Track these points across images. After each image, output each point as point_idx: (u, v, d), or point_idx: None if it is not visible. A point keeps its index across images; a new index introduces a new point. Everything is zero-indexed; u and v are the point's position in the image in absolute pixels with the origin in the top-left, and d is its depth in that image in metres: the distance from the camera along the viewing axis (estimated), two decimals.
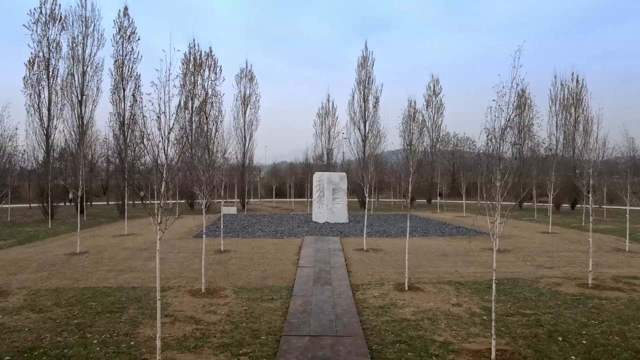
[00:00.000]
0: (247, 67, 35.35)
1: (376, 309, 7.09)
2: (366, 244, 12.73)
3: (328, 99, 40.78)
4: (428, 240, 15.04)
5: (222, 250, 12.06)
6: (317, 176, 21.80)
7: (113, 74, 25.50)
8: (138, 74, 25.93)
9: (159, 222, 4.85)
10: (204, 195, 8.14)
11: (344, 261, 10.97)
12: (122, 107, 25.52)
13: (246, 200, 32.78)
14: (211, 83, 32.22)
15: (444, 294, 8.15)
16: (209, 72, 32.22)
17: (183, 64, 33.15)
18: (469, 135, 70.25)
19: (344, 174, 21.98)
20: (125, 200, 18.62)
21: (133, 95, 25.10)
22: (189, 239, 14.91)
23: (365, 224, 13.18)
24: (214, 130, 31.99)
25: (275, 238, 15.24)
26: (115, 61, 25.14)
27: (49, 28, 24.05)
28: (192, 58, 33.12)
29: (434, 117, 45.99)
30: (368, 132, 36.96)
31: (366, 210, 13.21)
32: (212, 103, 32.15)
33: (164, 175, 4.71)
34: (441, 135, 47.45)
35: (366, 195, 12.59)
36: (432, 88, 45.91)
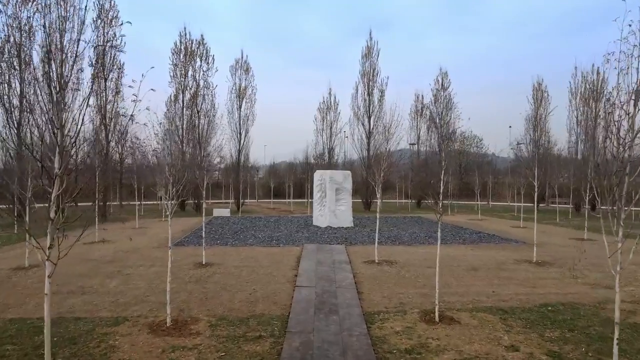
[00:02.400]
0: (242, 57, 33.49)
1: (402, 355, 5.21)
2: (377, 254, 10.82)
3: (330, 93, 38.97)
4: (448, 248, 13.14)
5: (203, 263, 10.15)
6: (318, 175, 19.90)
7: (92, 62, 23.61)
8: (122, 62, 24.09)
9: (49, 246, 2.97)
10: (169, 197, 6.25)
11: (353, 278, 9.08)
12: (104, 98, 23.63)
13: (241, 201, 30.88)
14: (203, 74, 30.30)
15: (489, 328, 6.26)
16: (201, 62, 30.32)
17: (173, 53, 31.35)
18: (476, 133, 68.29)
19: (348, 172, 20.07)
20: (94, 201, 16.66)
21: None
22: (170, 247, 12.97)
23: (377, 230, 11.26)
24: (205, 125, 30.12)
25: (270, 246, 13.35)
26: (95, 48, 23.30)
27: (21, 10, 22.17)
28: (183, 48, 31.29)
29: (442, 113, 44.14)
30: (373, 128, 35.03)
31: (377, 213, 11.30)
32: (203, 95, 30.24)
33: (56, 164, 2.83)
34: (449, 131, 45.51)
35: (378, 195, 10.70)
36: (440, 82, 44.05)
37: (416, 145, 45.54)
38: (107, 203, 24.08)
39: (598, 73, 34.72)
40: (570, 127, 33.42)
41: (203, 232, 10.58)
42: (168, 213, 6.39)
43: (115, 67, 23.81)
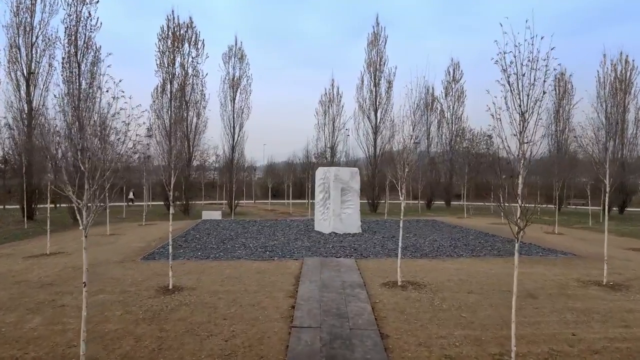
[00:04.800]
0: (236, 44, 31.04)
1: None
2: (400, 273, 8.45)
3: (332, 85, 36.52)
4: (483, 262, 10.81)
5: (170, 287, 7.79)
6: (320, 172, 17.58)
7: (65, 45, 21.26)
8: (98, 45, 21.76)
9: None
10: (85, 199, 3.94)
11: (371, 311, 6.75)
12: (78, 86, 21.28)
13: (234, 202, 28.55)
14: (192, 60, 28.01)
15: None
16: (189, 47, 28.01)
17: (160, 39, 29.05)
18: (485, 130, 65.90)
19: (356, 169, 17.73)
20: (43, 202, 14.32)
21: None
22: (136, 261, 10.68)
23: (401, 240, 8.89)
24: (194, 117, 27.85)
25: (263, 260, 11.03)
26: (67, 28, 20.94)
27: None
28: (170, 33, 28.99)
29: (453, 107, 41.89)
30: (380, 122, 32.68)
31: (401, 217, 8.88)
32: (192, 84, 27.94)
33: None
34: (462, 127, 43.22)
35: (401, 195, 8.35)
36: (451, 73, 41.80)
37: (419, 144, 43.23)
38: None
39: (627, 61, 32.47)
40: (599, 122, 30.87)
41: (170, 247, 8.19)
42: (82, 228, 4.05)
43: (90, 50, 21.46)
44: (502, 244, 14.11)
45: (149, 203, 27.42)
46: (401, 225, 8.55)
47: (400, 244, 8.56)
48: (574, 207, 41.90)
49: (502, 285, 8.43)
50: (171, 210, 7.67)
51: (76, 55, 21.17)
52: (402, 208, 8.51)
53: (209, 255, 11.44)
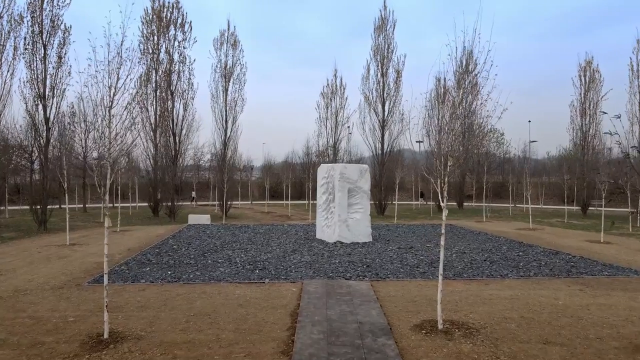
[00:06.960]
0: (228, 29, 28.77)
1: None
2: (433, 305, 6.03)
3: (335, 75, 34.23)
4: (541, 288, 8.41)
5: (105, 337, 5.37)
6: (324, 170, 15.23)
7: (28, 23, 18.86)
8: (68, 25, 19.39)
9: None
10: None
11: None
12: (43, 71, 18.91)
13: (226, 203, 26.20)
14: (178, 45, 25.69)
15: None
16: (175, 30, 25.68)
17: (143, 23, 26.73)
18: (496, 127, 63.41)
19: (366, 166, 15.39)
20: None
21: None
22: (81, 286, 8.30)
23: (442, 265, 6.43)
24: (180, 109, 25.55)
25: (249, 283, 8.67)
26: (30, 3, 18.56)
27: None
28: (155, 16, 26.66)
29: (466, 100, 39.43)
30: (388, 116, 30.33)
31: (442, 231, 6.39)
32: (178, 71, 25.64)
33: None
34: (474, 122, 40.78)
35: (442, 200, 5.98)
36: (463, 64, 39.33)
37: (423, 143, 40.91)
38: (49, 207, 19.41)
39: None
40: (632, 115, 28.43)
41: (105, 278, 5.67)
42: None
43: (57, 29, 19.05)
44: (547, 257, 11.73)
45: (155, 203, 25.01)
46: (442, 243, 6.13)
47: (441, 270, 6.14)
48: (606, 209, 39.46)
49: (585, 328, 6.04)
50: (106, 224, 5.27)
51: (41, 35, 18.79)
52: (444, 217, 6.11)
53: (181, 276, 9.05)
